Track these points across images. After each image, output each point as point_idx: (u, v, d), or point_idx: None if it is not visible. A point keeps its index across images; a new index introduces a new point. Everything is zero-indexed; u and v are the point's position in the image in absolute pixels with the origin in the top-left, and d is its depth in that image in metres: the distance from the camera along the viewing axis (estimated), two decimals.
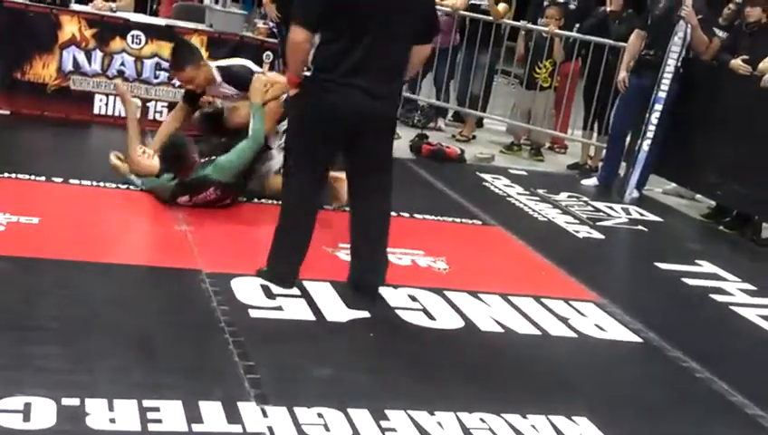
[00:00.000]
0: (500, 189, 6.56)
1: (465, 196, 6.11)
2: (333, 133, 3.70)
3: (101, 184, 4.81)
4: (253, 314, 3.54)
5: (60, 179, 4.80)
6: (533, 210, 6.07)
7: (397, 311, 3.84)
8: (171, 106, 6.41)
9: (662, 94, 6.63)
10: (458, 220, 5.51)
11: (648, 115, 6.70)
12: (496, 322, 3.90)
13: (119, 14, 6.38)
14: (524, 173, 7.26)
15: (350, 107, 3.63)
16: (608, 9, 7.63)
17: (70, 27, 6.14)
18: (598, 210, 6.37)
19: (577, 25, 7.76)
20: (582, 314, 4.18)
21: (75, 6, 6.30)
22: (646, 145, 6.75)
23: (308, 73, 3.70)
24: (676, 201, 7.20)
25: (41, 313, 3.28)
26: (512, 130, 8.49)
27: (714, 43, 6.88)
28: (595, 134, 7.94)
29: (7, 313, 3.22)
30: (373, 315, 3.71)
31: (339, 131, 3.70)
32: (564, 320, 4.06)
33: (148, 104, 6.40)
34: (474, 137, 8.43)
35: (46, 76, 6.16)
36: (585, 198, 6.65)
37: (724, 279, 5.17)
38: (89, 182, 4.85)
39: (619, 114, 7.17)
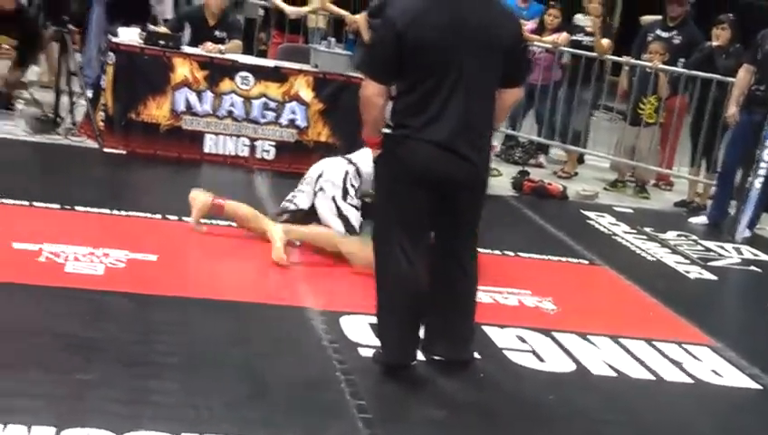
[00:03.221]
0: (605, 227, 6.45)
1: (569, 234, 6.04)
2: (417, 194, 3.28)
3: (214, 222, 4.94)
4: (363, 352, 3.57)
5: (174, 217, 4.95)
6: (641, 249, 5.95)
7: (505, 352, 3.81)
8: (278, 145, 6.59)
9: None
10: (563, 259, 5.45)
11: (759, 151, 6.51)
12: (608, 365, 3.83)
13: (228, 56, 6.56)
14: (630, 211, 7.13)
15: (430, 164, 3.24)
16: (714, 43, 7.47)
17: (182, 69, 6.34)
18: (708, 250, 6.20)
19: (681, 60, 7.62)
20: (697, 359, 4.07)
21: (187, 49, 6.51)
22: (758, 182, 6.55)
23: (387, 130, 3.34)
24: None
25: (159, 349, 3.37)
26: (616, 166, 8.36)
27: None
28: (703, 171, 7.75)
29: (127, 348, 3.33)
30: (482, 356, 3.68)
31: (421, 192, 3.27)
32: (678, 364, 3.96)
33: (255, 143, 6.55)
34: (576, 173, 8.33)
35: (159, 116, 6.36)
36: (694, 237, 6.49)
37: None
38: (202, 220, 4.97)
39: (729, 151, 6.99)
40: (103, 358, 3.21)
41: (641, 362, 3.91)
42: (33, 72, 7.01)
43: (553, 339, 4.01)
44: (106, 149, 6.28)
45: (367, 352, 3.55)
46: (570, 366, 3.77)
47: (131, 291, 3.83)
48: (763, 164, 6.52)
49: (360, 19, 7.57)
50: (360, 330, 3.76)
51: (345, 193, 4.64)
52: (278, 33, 8.19)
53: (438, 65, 3.20)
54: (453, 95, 3.21)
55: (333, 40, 7.02)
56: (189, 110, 6.40)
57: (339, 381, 3.31)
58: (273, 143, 6.57)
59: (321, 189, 4.68)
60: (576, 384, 3.63)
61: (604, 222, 6.60)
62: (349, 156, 4.81)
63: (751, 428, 3.55)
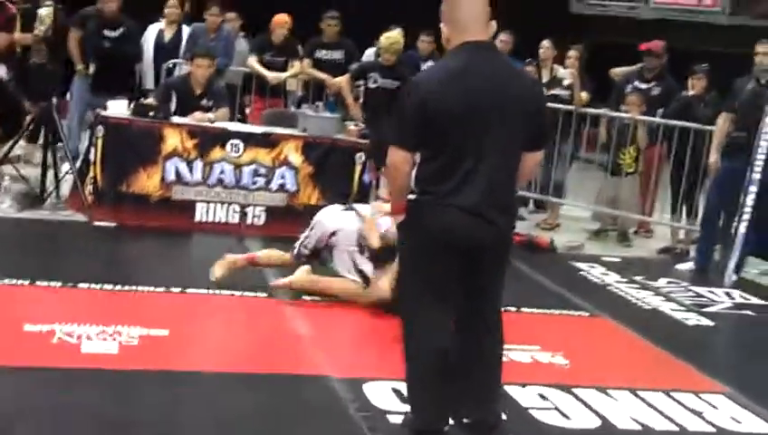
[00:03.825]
0: (598, 278, 6.51)
1: (564, 286, 6.09)
2: (444, 261, 3.27)
3: (218, 292, 4.91)
4: (392, 419, 3.54)
5: (178, 289, 4.90)
6: (636, 298, 6.01)
7: (530, 411, 3.81)
8: (268, 211, 6.58)
9: (756, 176, 6.58)
10: (564, 312, 5.49)
11: (743, 197, 6.64)
12: (632, 419, 3.84)
13: (217, 124, 6.57)
14: (618, 259, 7.20)
15: (456, 230, 3.23)
16: (690, 93, 7.66)
17: (172, 139, 6.32)
18: (700, 295, 6.28)
19: (660, 110, 7.80)
20: (714, 407, 4.09)
21: (176, 119, 6.50)
22: (743, 227, 6.66)
23: (411, 196, 3.32)
24: None
25: (186, 426, 3.33)
26: (598, 216, 8.47)
27: None
28: (684, 217, 7.89)
29: (156, 429, 3.29)
30: (509, 417, 3.66)
31: (447, 256, 3.26)
32: (698, 414, 3.99)
33: (246, 210, 6.53)
34: (558, 225, 8.42)
35: (150, 187, 6.31)
36: (684, 284, 6.57)
37: None
38: (205, 291, 4.93)
39: (711, 197, 7.11)
40: None
41: (663, 414, 3.93)
42: (17, 147, 6.94)
43: (574, 395, 4.01)
44: (95, 223, 6.22)
45: (396, 419, 3.52)
46: (595, 422, 3.77)
47: (148, 368, 3.78)
48: (746, 209, 6.64)
49: (344, 81, 7.65)
50: (386, 396, 3.73)
51: (361, 249, 4.97)
52: (258, 99, 8.23)
53: (463, 132, 3.20)
54: (478, 162, 3.21)
55: (321, 104, 7.07)
56: (180, 180, 6.37)
57: None
58: (264, 209, 6.56)
59: (335, 246, 5.02)
60: None
61: (596, 272, 6.67)
62: (355, 206, 5.22)
63: None
